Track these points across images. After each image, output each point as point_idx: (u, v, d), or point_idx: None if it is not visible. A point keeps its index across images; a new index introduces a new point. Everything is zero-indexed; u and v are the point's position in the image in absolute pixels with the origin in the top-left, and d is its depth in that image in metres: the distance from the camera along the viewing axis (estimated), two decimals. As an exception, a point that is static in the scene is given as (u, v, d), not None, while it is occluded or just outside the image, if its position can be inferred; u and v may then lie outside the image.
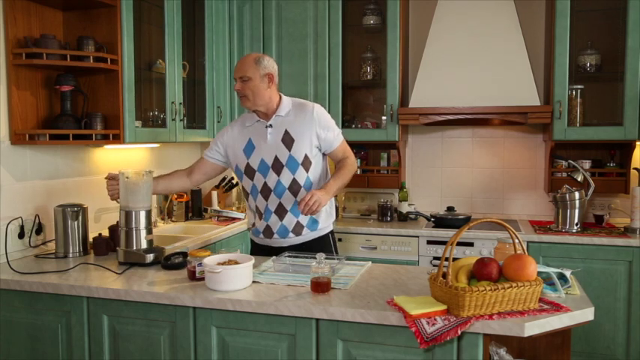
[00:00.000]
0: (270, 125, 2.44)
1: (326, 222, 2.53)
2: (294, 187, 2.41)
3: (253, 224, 2.57)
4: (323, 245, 2.49)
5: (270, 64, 2.41)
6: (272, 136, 2.43)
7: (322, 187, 2.36)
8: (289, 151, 2.40)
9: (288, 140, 2.41)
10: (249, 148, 2.47)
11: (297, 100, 2.51)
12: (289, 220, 2.45)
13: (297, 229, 2.46)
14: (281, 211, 2.44)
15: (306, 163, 2.42)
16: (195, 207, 3.62)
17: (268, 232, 2.50)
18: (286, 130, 2.41)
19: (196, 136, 3.40)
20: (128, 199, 2.32)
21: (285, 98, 2.48)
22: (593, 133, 3.30)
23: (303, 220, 2.45)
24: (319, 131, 2.42)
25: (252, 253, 2.63)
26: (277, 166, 2.41)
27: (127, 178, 2.32)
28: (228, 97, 3.74)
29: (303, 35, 3.67)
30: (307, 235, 2.48)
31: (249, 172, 2.47)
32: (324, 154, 2.52)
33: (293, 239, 2.47)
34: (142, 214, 2.33)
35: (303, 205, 2.24)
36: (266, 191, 2.44)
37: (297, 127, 2.41)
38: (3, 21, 2.41)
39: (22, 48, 2.45)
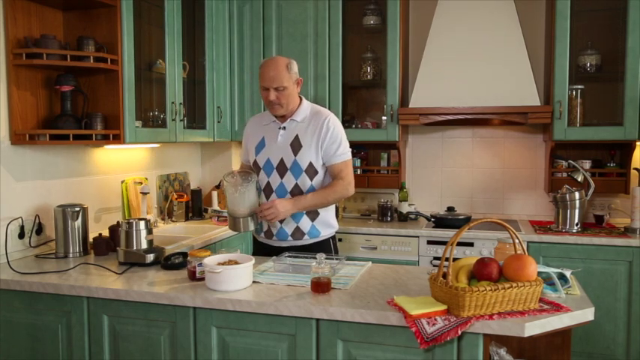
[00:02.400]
0: (284, 127, 2.45)
1: (327, 230, 2.54)
2: (296, 193, 2.42)
3: None
4: (323, 249, 2.48)
5: (296, 69, 2.42)
6: (282, 138, 2.44)
7: (292, 199, 2.37)
8: (295, 156, 2.40)
9: (296, 145, 2.41)
10: (260, 146, 2.49)
11: (316, 108, 2.51)
12: (288, 225, 2.45)
13: (298, 234, 2.46)
14: None
15: (311, 172, 2.42)
16: (195, 207, 3.62)
17: (268, 232, 2.51)
18: (297, 136, 2.42)
19: (196, 136, 3.40)
20: (236, 203, 2.35)
21: (305, 103, 2.49)
22: (593, 133, 3.30)
23: (304, 227, 2.45)
24: (323, 142, 2.41)
25: (253, 252, 2.64)
26: (281, 169, 2.42)
27: (226, 183, 2.34)
28: (228, 97, 3.74)
29: (303, 35, 3.67)
30: (307, 240, 2.49)
31: (256, 168, 2.50)
32: None
33: (292, 242, 2.48)
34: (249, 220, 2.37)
35: (259, 212, 2.33)
36: (268, 190, 2.46)
37: (307, 135, 2.42)
38: (3, 21, 2.41)
39: (22, 48, 2.45)
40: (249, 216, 2.37)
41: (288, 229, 2.45)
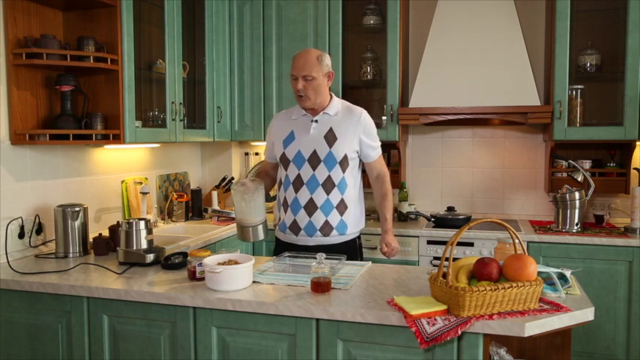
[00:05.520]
0: (316, 121, 2.46)
1: (355, 228, 2.53)
2: (328, 185, 2.41)
3: (279, 219, 2.55)
4: (348, 249, 2.47)
5: (329, 62, 2.45)
6: (315, 131, 2.45)
7: (385, 231, 2.53)
8: (330, 147, 2.41)
9: (330, 137, 2.42)
10: (289, 139, 2.49)
11: (346, 103, 2.55)
12: (318, 218, 2.43)
13: (326, 229, 2.44)
14: (311, 207, 2.43)
15: (344, 164, 2.43)
16: (195, 207, 3.62)
17: (295, 227, 2.47)
18: (331, 128, 2.44)
19: (196, 136, 3.40)
20: (244, 212, 2.34)
21: (335, 98, 2.52)
22: (593, 133, 3.30)
23: (333, 221, 2.43)
24: (362, 137, 2.46)
25: (275, 251, 2.61)
26: (314, 161, 2.42)
27: (234, 192, 2.33)
28: (228, 97, 3.75)
29: (303, 35, 3.67)
30: (335, 238, 2.47)
31: (284, 162, 2.49)
32: (360, 162, 2.55)
33: (319, 239, 2.45)
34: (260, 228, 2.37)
35: (386, 255, 2.53)
36: (298, 183, 2.44)
37: (343, 128, 2.44)
38: (3, 21, 2.41)
39: (22, 48, 2.45)
40: (259, 225, 2.35)
41: (316, 222, 2.43)
